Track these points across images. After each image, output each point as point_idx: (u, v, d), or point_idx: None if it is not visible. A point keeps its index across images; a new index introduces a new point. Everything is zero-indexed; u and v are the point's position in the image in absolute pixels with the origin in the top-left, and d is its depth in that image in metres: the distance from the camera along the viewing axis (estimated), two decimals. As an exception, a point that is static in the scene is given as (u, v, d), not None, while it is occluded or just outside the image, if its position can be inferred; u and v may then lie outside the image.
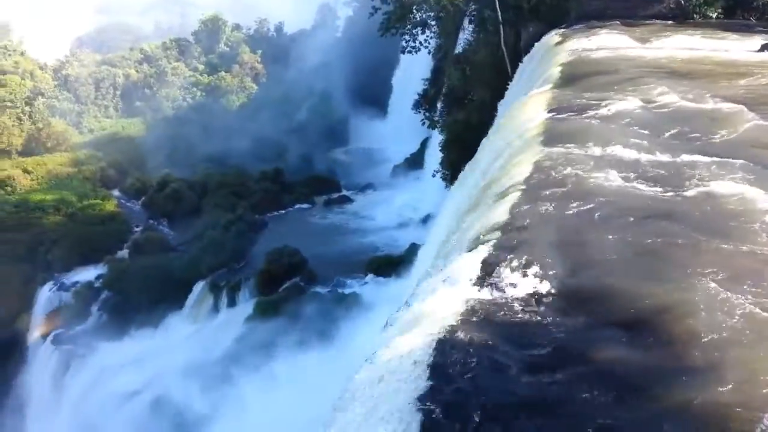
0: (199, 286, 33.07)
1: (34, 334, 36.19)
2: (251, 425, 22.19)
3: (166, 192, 45.85)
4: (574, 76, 14.56)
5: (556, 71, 15.07)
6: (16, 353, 37.96)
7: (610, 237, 7.10)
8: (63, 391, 30.79)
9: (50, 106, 55.22)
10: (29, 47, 60.32)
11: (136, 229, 43.46)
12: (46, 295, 37.99)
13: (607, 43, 18.54)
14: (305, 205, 46.17)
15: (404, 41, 33.57)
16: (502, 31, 26.54)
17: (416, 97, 40.42)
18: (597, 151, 9.53)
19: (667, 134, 10.18)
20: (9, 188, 45.32)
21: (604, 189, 8.28)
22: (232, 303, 31.78)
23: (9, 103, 51.04)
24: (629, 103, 11.53)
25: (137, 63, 62.78)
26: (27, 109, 52.08)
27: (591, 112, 11.64)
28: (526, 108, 13.04)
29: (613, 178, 8.56)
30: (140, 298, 33.78)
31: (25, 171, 47.43)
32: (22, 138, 50.62)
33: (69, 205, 44.56)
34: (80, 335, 33.10)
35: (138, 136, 57.91)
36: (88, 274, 38.31)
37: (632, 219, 7.44)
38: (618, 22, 22.75)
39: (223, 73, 64.33)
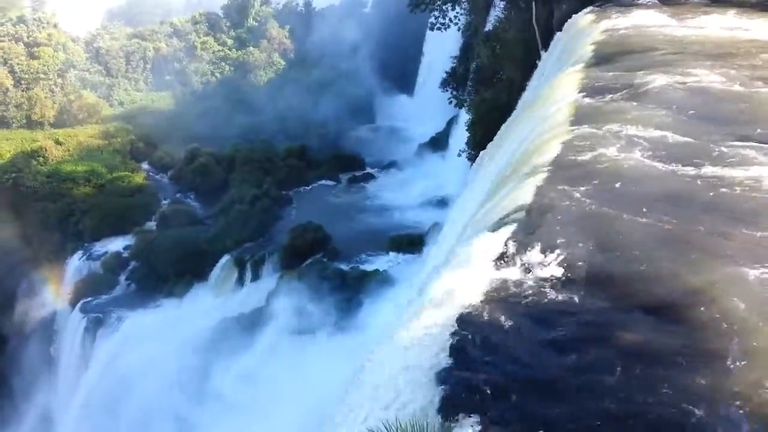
0: (224, 260, 33.57)
1: (64, 301, 37.20)
2: (264, 396, 22.60)
3: (194, 165, 46.37)
4: (607, 56, 14.19)
5: (589, 50, 14.70)
6: (46, 320, 39.15)
7: (638, 220, 6.97)
8: (90, 357, 31.69)
9: (82, 78, 55.97)
10: (62, 20, 60.96)
11: (164, 202, 44.11)
12: (75, 264, 38.94)
13: (643, 21, 17.99)
14: (329, 182, 46.35)
15: (433, 17, 33.20)
16: (534, 8, 25.96)
17: (444, 75, 39.98)
18: (628, 132, 9.31)
19: (701, 117, 9.89)
20: (41, 158, 46.18)
21: (634, 171, 8.12)
22: (255, 277, 32.23)
23: (42, 75, 51.83)
24: (664, 84, 11.21)
25: (167, 37, 63.07)
26: (59, 81, 52.84)
27: (624, 93, 11.36)
28: (557, 87, 12.77)
29: (644, 161, 8.38)
30: (166, 269, 34.46)
31: (57, 142, 48.22)
32: (54, 110, 51.43)
33: (99, 177, 45.32)
34: (108, 304, 33.95)
35: (167, 110, 58.45)
36: (116, 244, 39.14)
37: (662, 202, 7.29)
38: (656, 0, 22.07)
39: (251, 48, 64.33)
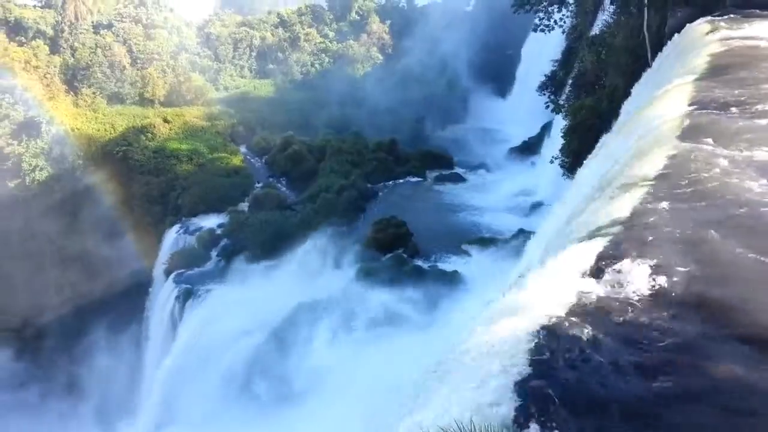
0: (307, 245, 34.44)
1: (159, 270, 39.55)
2: (333, 386, 22.95)
3: (287, 152, 47.86)
4: (722, 69, 13.38)
5: (702, 62, 13.91)
6: (142, 287, 41.85)
7: (742, 245, 6.57)
8: (179, 324, 33.53)
9: (192, 61, 59.04)
10: (178, 4, 64.67)
11: (257, 185, 45.81)
12: (172, 236, 41.18)
13: (763, 33, 16.79)
14: (416, 179, 46.40)
15: (537, 18, 32.41)
16: (646, 14, 24.80)
17: (542, 78, 39.01)
18: (741, 151, 8.77)
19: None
20: (150, 134, 49.19)
21: (741, 193, 7.64)
22: (337, 265, 32.85)
23: (156, 56, 55.15)
24: (784, 103, 10.45)
25: (273, 27, 65.33)
26: (171, 62, 56.02)
27: (737, 109, 10.69)
28: (665, 99, 12.18)
29: (753, 183, 7.86)
30: (255, 249, 35.78)
31: (165, 120, 51.14)
32: (165, 89, 54.57)
33: (201, 156, 47.74)
34: (199, 276, 35.68)
35: (268, 97, 60.58)
36: (211, 221, 41.04)
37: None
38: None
39: (351, 42, 65.50)
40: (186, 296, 33.88)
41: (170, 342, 33.39)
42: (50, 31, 51.70)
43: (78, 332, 44.96)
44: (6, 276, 46.72)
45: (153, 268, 41.38)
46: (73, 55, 51.79)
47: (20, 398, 42.31)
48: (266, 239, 35.87)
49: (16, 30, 51.11)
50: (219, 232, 39.36)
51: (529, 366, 4.93)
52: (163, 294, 36.57)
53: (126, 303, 42.90)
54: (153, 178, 46.32)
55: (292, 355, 25.59)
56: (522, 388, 4.79)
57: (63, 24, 52.11)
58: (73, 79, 51.41)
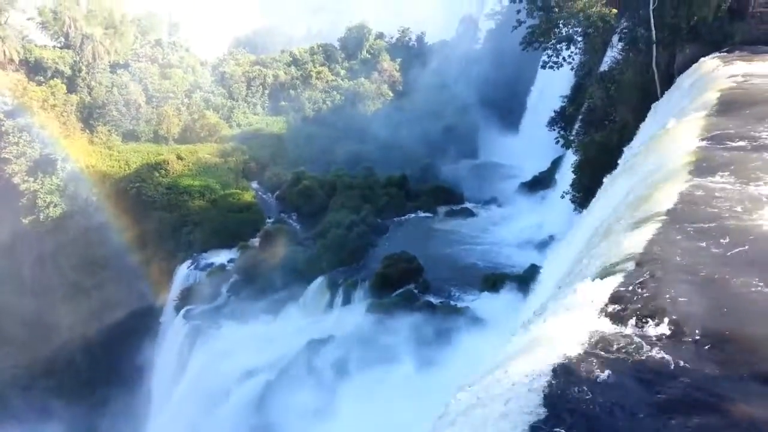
0: (317, 281, 34.36)
1: (170, 307, 39.53)
2: (344, 425, 22.57)
3: (298, 188, 48.20)
4: (732, 105, 13.40)
5: (712, 97, 13.94)
6: (152, 323, 41.78)
7: (758, 280, 6.44)
8: (188, 362, 33.31)
9: (206, 99, 60.10)
10: (193, 44, 66.22)
11: (269, 220, 46.07)
12: (183, 272, 41.31)
13: (774, 70, 16.89)
14: (427, 214, 46.41)
15: (546, 56, 32.75)
16: (654, 51, 25.02)
17: (552, 114, 39.25)
18: (753, 187, 8.69)
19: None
20: (163, 171, 49.80)
21: (756, 229, 7.54)
22: (347, 301, 32.68)
23: (171, 95, 56.25)
24: (797, 138, 10.40)
25: (286, 65, 66.57)
26: (186, 101, 57.09)
27: (749, 145, 10.65)
28: (676, 134, 12.18)
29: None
30: (265, 285, 35.74)
31: (179, 157, 51.83)
32: (179, 127, 55.46)
33: (213, 192, 48.16)
34: (209, 313, 35.59)
35: (280, 134, 61.36)
36: (222, 257, 41.19)
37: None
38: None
39: (362, 79, 66.51)
40: (196, 333, 33.75)
41: (179, 379, 33.14)
42: (68, 71, 52.98)
43: (88, 368, 44.79)
44: (17, 311, 46.88)
45: (164, 304, 41.37)
46: (89, 94, 52.94)
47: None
48: (276, 275, 35.85)
49: (36, 70, 52.45)
50: (229, 267, 39.44)
51: (544, 407, 4.80)
52: (173, 331, 36.48)
53: (137, 339, 42.77)
54: (165, 214, 46.71)
55: (302, 394, 25.24)
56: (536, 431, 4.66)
57: (81, 64, 53.42)
58: (89, 117, 52.44)
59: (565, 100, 40.31)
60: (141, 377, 40.85)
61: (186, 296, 38.07)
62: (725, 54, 20.75)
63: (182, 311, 36.40)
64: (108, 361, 43.40)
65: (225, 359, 29.96)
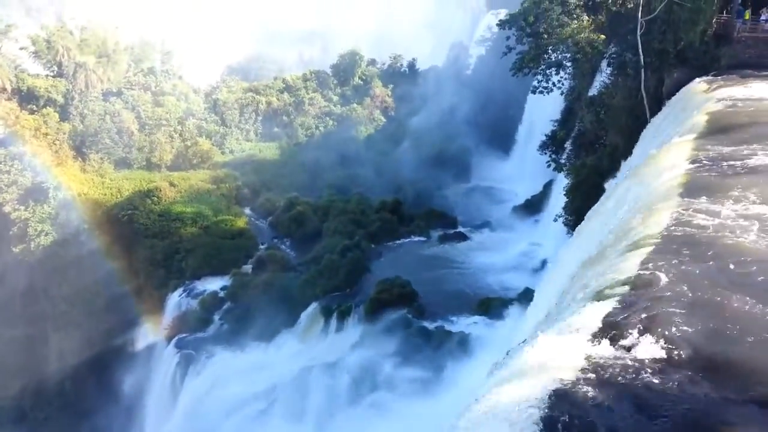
0: (311, 308, 34.07)
1: (160, 335, 38.98)
2: None
3: (291, 214, 48.04)
4: (721, 127, 13.53)
5: (701, 120, 14.09)
6: (144, 352, 41.15)
7: (752, 303, 6.41)
8: (180, 391, 32.76)
9: (199, 126, 60.17)
10: (186, 72, 66.51)
11: (261, 246, 45.77)
12: (175, 300, 40.80)
13: (759, 93, 17.10)
14: (420, 238, 46.27)
15: (536, 81, 33.14)
16: (643, 75, 25.36)
17: (543, 138, 39.55)
18: (742, 208, 8.72)
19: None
20: (156, 198, 49.53)
21: (747, 250, 7.54)
22: (340, 327, 32.38)
23: (164, 122, 56.28)
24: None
25: (278, 92, 66.95)
26: (179, 128, 57.10)
27: (738, 166, 10.73)
28: (666, 156, 12.26)
29: (758, 239, 7.78)
30: (258, 311, 35.37)
31: (171, 184, 51.61)
32: (172, 154, 55.37)
33: (205, 219, 47.87)
34: (201, 341, 35.11)
35: (273, 160, 61.42)
36: (214, 284, 40.74)
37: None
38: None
39: (354, 105, 66.94)
40: (187, 362, 33.28)
41: (171, 409, 32.58)
42: (61, 99, 53.08)
43: (78, 398, 43.98)
44: (7, 340, 46.17)
45: (156, 332, 40.83)
46: (82, 122, 52.97)
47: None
48: (269, 301, 35.54)
49: (28, 98, 52.52)
50: (222, 294, 39.05)
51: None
52: (165, 360, 35.95)
53: (128, 369, 42.11)
54: (157, 242, 46.34)
55: (295, 422, 24.87)
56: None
57: (73, 92, 53.56)
58: (82, 145, 52.40)
59: (556, 124, 40.66)
60: (133, 407, 40.11)
61: (178, 324, 37.59)
62: (712, 77, 21.04)
63: (174, 340, 35.91)
64: (99, 391, 42.62)
65: (217, 389, 29.51)
